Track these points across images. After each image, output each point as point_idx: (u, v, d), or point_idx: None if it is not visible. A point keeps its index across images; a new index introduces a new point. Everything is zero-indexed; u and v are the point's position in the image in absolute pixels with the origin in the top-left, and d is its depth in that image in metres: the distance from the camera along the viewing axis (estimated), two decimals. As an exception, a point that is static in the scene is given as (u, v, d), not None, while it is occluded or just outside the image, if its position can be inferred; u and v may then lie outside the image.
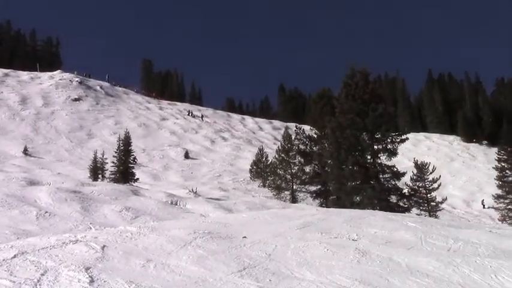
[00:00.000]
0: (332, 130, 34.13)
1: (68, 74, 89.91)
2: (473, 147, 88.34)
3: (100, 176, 39.49)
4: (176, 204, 29.45)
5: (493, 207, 44.75)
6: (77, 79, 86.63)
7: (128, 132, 40.93)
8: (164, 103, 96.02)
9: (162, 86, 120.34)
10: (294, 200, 41.57)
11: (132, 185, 36.40)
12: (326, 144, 38.59)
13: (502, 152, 45.13)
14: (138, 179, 39.20)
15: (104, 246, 11.43)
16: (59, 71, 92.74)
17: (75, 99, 77.04)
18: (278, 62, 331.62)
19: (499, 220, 41.05)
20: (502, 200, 41.54)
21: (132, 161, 39.85)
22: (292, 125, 62.11)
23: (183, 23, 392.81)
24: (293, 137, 44.56)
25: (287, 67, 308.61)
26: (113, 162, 38.82)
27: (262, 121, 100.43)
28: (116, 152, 39.31)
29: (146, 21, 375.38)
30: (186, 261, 10.59)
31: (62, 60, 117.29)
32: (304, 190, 42.34)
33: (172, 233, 13.38)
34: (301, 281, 9.44)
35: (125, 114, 77.05)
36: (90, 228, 20.29)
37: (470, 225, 20.94)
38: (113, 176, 38.36)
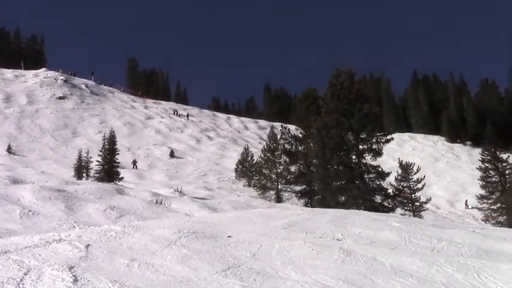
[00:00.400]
0: (317, 130, 34.17)
1: (52, 72, 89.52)
2: (458, 147, 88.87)
3: (85, 174, 39.37)
4: (161, 204, 29.36)
5: (476, 208, 45.01)
6: (61, 77, 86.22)
7: (113, 131, 40.83)
8: (149, 102, 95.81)
9: (148, 85, 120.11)
10: (279, 199, 41.57)
11: (117, 184, 36.27)
12: (311, 144, 38.64)
13: (486, 152, 45.37)
14: (122, 178, 39.09)
15: (88, 245, 11.38)
16: (43, 69, 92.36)
17: (60, 98, 76.67)
18: (264, 62, 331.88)
19: (482, 220, 41.29)
20: (485, 201, 41.75)
21: (133, 166, 40.07)
22: (277, 125, 62.19)
23: (168, 22, 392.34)
24: (278, 137, 44.54)
25: (273, 66, 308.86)
26: (98, 161, 38.69)
27: (247, 120, 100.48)
28: (100, 151, 39.17)
29: (132, 20, 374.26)
30: (170, 261, 10.57)
31: (46, 58, 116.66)
32: (289, 190, 42.35)
33: (157, 233, 13.34)
34: (285, 281, 9.44)
35: (110, 113, 76.77)
36: (74, 227, 20.18)
37: (454, 226, 21.06)
38: (97, 175, 38.23)
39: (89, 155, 39.80)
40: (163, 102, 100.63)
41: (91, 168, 39.51)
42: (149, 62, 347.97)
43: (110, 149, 38.92)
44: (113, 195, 28.69)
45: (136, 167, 39.23)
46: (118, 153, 40.29)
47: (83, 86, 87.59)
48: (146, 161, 55.88)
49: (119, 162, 39.96)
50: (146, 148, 61.62)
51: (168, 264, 10.35)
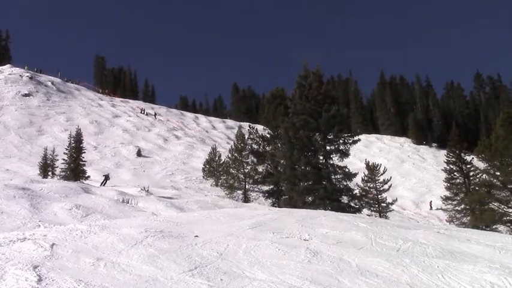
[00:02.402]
0: (285, 130, 34.28)
1: (18, 68, 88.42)
2: (423, 149, 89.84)
3: (50, 173, 38.90)
4: (128, 203, 29.16)
5: (441, 209, 45.50)
6: (27, 74, 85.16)
7: (80, 129, 40.45)
8: (117, 100, 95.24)
9: (115, 83, 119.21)
10: (246, 199, 41.62)
11: (83, 182, 35.91)
12: (279, 144, 38.77)
13: (451, 154, 45.91)
14: (89, 176, 38.75)
15: (53, 244, 11.26)
16: (8, 65, 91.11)
17: (25, 95, 75.70)
18: (232, 61, 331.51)
19: (447, 221, 41.73)
20: (449, 202, 42.24)
21: (103, 182, 39.01)
22: (245, 125, 62.20)
23: (137, 20, 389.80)
24: (246, 137, 44.58)
25: (241, 66, 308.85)
26: (64, 160, 38.29)
27: (215, 120, 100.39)
28: (67, 149, 38.78)
29: (100, 18, 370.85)
30: (137, 260, 10.51)
31: (11, 54, 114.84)
32: (256, 190, 42.44)
33: (124, 232, 13.26)
34: (252, 281, 9.45)
35: (76, 110, 76.06)
36: (39, 226, 19.92)
37: (419, 226, 21.29)
38: (63, 174, 37.83)
39: (55, 153, 39.33)
40: (131, 100, 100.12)
41: (57, 167, 39.05)
42: (117, 60, 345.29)
43: (76, 147, 38.55)
44: (79, 194, 28.40)
45: (105, 183, 37.98)
46: (84, 152, 39.93)
47: (49, 84, 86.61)
48: (113, 159, 55.44)
49: (85, 161, 39.59)
50: (113, 147, 61.10)
51: (134, 263, 10.29)
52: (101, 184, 37.93)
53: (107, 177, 39.25)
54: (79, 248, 11.21)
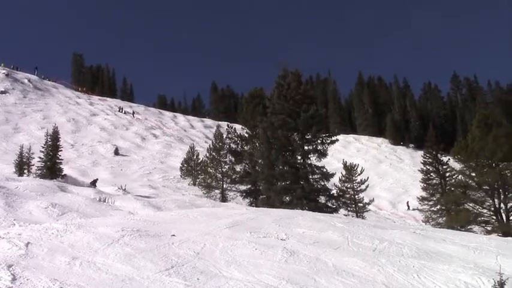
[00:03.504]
0: (263, 130, 34.29)
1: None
2: (401, 149, 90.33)
3: (26, 171, 38.51)
4: (104, 201, 29.02)
5: (417, 209, 45.77)
6: (3, 71, 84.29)
7: (57, 127, 40.06)
8: (95, 98, 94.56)
9: (93, 81, 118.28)
10: (224, 199, 41.58)
11: (60, 181, 35.62)
12: (257, 144, 38.76)
13: (427, 155, 46.20)
14: (65, 175, 38.43)
15: (28, 243, 11.18)
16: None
17: (1, 92, 74.95)
18: (211, 60, 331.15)
19: (423, 221, 41.97)
20: (426, 202, 42.47)
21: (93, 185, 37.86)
22: (224, 124, 62.07)
23: (116, 17, 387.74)
24: (224, 136, 44.52)
25: (220, 65, 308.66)
26: (40, 158, 37.95)
27: (193, 119, 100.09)
28: (43, 147, 38.43)
29: (78, 15, 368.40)
30: (113, 259, 10.47)
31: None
32: (234, 189, 42.43)
33: (100, 231, 13.20)
34: (229, 280, 9.46)
35: (53, 108, 75.43)
36: (14, 224, 19.72)
37: (396, 226, 21.46)
38: (39, 172, 37.49)
39: (31, 151, 38.95)
40: (108, 99, 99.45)
41: (33, 165, 38.68)
42: (95, 58, 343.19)
43: (52, 145, 38.19)
44: (55, 193, 28.21)
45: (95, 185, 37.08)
46: (61, 150, 39.59)
47: (26, 81, 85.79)
48: (90, 158, 55.07)
49: (62, 159, 39.26)
50: (90, 145, 60.66)
51: (110, 262, 10.25)
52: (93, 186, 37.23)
53: (95, 182, 38.29)
54: (55, 247, 11.14)
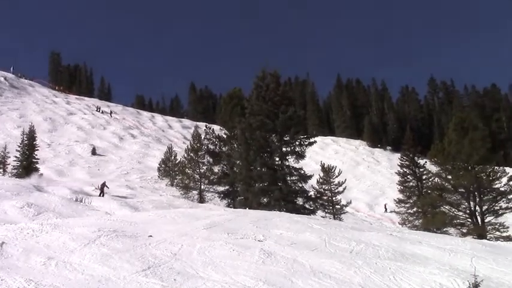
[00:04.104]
0: (242, 131, 34.27)
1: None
2: (378, 152, 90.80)
3: (1, 170, 38.22)
4: (81, 201, 28.87)
5: (394, 211, 46.03)
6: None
7: (33, 126, 39.87)
8: (72, 97, 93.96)
9: (71, 80, 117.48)
10: (201, 199, 41.51)
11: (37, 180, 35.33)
12: (235, 145, 38.73)
13: (404, 157, 46.54)
14: (42, 174, 38.16)
15: (3, 243, 11.09)
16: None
17: (-23, 90, 74.26)
18: (189, 61, 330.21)
19: (400, 224, 42.22)
20: (402, 204, 42.77)
21: (100, 193, 34.70)
22: (202, 125, 62.02)
23: (93, 16, 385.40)
24: (202, 137, 44.43)
25: (199, 66, 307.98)
26: (16, 157, 37.66)
27: (172, 119, 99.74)
28: (19, 146, 38.14)
29: (56, 13, 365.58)
30: (89, 260, 10.42)
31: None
32: (212, 190, 42.32)
33: (76, 231, 13.12)
34: (206, 281, 9.45)
35: (30, 107, 74.85)
36: (-11, 224, 19.55)
37: (372, 229, 21.56)
38: (15, 171, 37.20)
39: (7, 151, 38.65)
40: (86, 98, 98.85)
41: (8, 164, 38.38)
42: (73, 57, 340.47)
43: (29, 144, 37.95)
44: (31, 192, 27.99)
45: (103, 194, 34.31)
46: (37, 149, 39.35)
47: (2, 79, 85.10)
48: (67, 157, 54.70)
49: (38, 158, 38.99)
50: (67, 145, 60.27)
51: (86, 263, 10.19)
52: (100, 195, 35.10)
53: (103, 187, 35.65)
54: (30, 247, 11.06)
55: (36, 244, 11.41)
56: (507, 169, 35.94)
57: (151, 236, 13.22)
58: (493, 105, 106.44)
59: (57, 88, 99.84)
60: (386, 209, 53.90)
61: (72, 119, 73.95)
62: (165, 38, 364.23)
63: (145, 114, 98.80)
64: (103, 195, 33.89)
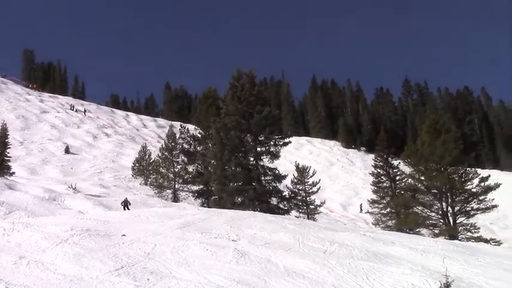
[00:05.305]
0: (217, 131, 34.23)
1: None
2: (352, 153, 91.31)
3: (-28, 168, 37.73)
4: (54, 200, 28.61)
5: (368, 212, 46.27)
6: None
7: (5, 124, 39.39)
8: (45, 95, 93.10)
9: (44, 78, 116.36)
10: (175, 199, 41.38)
11: (7, 178, 34.96)
12: (210, 145, 38.68)
13: (378, 158, 46.80)
14: (14, 172, 37.78)
15: (-27, 242, 10.96)
16: None
17: None
18: (165, 60, 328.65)
19: (373, 224, 42.44)
20: (376, 205, 43.01)
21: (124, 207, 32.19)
22: (177, 124, 61.81)
23: (68, 14, 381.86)
24: (177, 136, 44.29)
25: (174, 65, 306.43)
26: (-13, 155, 37.22)
27: (146, 118, 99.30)
28: (-10, 144, 37.71)
29: (29, 10, 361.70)
30: (61, 259, 10.34)
31: None
32: (186, 189, 42.22)
33: (49, 230, 13.02)
34: (179, 281, 9.43)
35: (2, 105, 74.06)
36: (-41, 223, 19.30)
37: (346, 229, 21.68)
38: (-14, 170, 36.76)
39: (-22, 148, 38.16)
40: (60, 96, 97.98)
41: (-21, 162, 37.90)
42: (47, 55, 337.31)
43: (1, 142, 37.50)
44: (3, 190, 27.69)
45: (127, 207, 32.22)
46: (9, 147, 38.92)
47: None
48: (40, 156, 54.21)
49: (10, 157, 38.57)
50: (40, 143, 59.73)
51: (59, 262, 10.12)
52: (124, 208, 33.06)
53: (126, 204, 33.37)
54: (0, 246, 10.95)
55: (7, 243, 11.30)
56: (479, 170, 36.34)
57: (124, 235, 13.16)
58: (465, 108, 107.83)
59: (30, 86, 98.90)
60: (361, 210, 54.09)
61: (46, 117, 73.29)
62: (140, 37, 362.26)
63: (120, 113, 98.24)
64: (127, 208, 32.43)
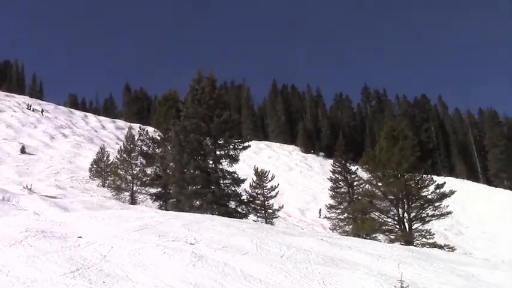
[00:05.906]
0: (176, 133, 34.13)
1: None
2: (311, 158, 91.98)
3: None
4: (8, 201, 28.15)
5: (325, 217, 46.62)
6: None
7: (-41, 123, 38.69)
8: (1, 94, 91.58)
9: (1, 77, 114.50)
10: (133, 201, 41.10)
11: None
12: (169, 147, 38.54)
13: (336, 164, 47.26)
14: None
15: None
16: None
17: None
18: (124, 61, 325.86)
19: (330, 229, 42.78)
20: (334, 210, 43.39)
21: None
22: (136, 126, 61.39)
23: (26, 11, 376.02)
24: (136, 138, 44.02)
25: (133, 66, 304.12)
26: None
27: (105, 120, 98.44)
28: None
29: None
30: (15, 261, 10.18)
31: None
32: (144, 192, 41.97)
33: (2, 231, 12.82)
34: (135, 284, 9.37)
35: (-45, 103, 72.67)
36: None
37: (303, 233, 21.81)
38: None
39: None
40: (16, 95, 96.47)
41: None
42: (3, 53, 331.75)
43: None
44: (-46, 191, 27.17)
45: None
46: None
47: None
48: (-6, 155, 53.27)
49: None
50: (-5, 142, 58.70)
51: (12, 264, 9.95)
52: None
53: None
54: (-49, 248, 10.73)
55: (-42, 245, 11.09)
56: (434, 177, 36.91)
57: (80, 237, 13.01)
58: (422, 116, 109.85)
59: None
60: (320, 215, 54.34)
61: (1, 117, 72.11)
62: (100, 38, 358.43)
63: (78, 113, 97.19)
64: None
